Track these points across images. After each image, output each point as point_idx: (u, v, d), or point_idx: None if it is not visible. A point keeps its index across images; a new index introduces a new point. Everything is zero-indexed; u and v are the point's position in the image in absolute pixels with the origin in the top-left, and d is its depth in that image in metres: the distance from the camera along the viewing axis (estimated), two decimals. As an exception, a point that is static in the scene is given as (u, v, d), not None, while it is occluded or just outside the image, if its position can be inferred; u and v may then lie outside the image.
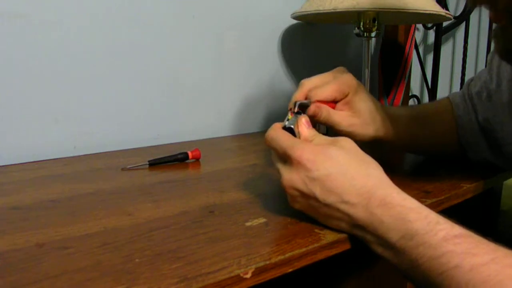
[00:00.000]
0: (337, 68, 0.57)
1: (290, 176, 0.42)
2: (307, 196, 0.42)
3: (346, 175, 0.41)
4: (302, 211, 0.44)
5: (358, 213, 0.40)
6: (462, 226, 0.37)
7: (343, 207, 0.40)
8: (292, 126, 0.47)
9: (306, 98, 0.53)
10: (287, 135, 0.45)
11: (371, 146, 0.52)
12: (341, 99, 0.55)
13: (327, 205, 0.41)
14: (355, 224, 0.40)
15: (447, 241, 0.35)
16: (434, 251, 0.35)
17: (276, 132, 0.46)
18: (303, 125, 0.47)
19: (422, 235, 0.36)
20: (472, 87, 0.68)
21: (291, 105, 0.52)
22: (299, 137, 0.46)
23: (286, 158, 0.43)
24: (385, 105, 1.13)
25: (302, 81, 0.55)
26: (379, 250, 0.39)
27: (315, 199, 0.41)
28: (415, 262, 0.36)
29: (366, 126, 0.56)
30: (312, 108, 0.51)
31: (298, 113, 0.50)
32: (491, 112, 0.64)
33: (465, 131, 0.67)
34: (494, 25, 0.45)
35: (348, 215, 0.40)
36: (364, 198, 0.40)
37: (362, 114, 0.56)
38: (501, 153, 0.64)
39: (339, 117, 0.54)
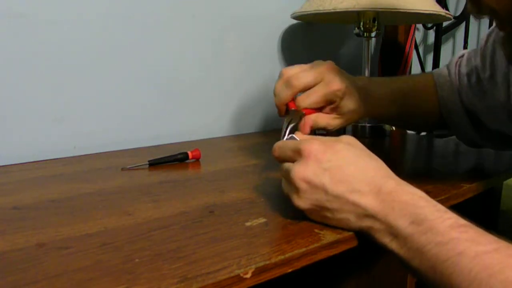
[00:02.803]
0: (327, 66, 0.57)
1: (300, 168, 0.42)
2: (316, 188, 0.42)
3: (357, 165, 0.42)
4: (305, 212, 0.44)
5: (369, 201, 0.40)
6: (467, 220, 0.38)
7: (352, 196, 0.41)
8: (294, 135, 0.50)
9: (294, 99, 0.56)
10: (293, 140, 0.48)
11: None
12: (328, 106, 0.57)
13: (336, 197, 0.41)
14: (365, 213, 0.40)
15: (454, 228, 0.36)
16: (442, 237, 0.36)
17: (282, 141, 0.48)
18: (302, 135, 0.51)
19: (431, 220, 0.37)
20: (462, 67, 0.68)
21: (280, 103, 0.56)
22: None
23: (297, 156, 0.44)
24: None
25: (288, 77, 0.56)
26: (386, 240, 0.40)
27: (325, 191, 0.41)
28: (422, 249, 0.37)
29: (350, 120, 0.60)
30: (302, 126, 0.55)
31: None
32: (476, 98, 0.65)
33: (449, 113, 0.69)
34: (500, 33, 0.46)
35: (357, 205, 0.41)
36: (375, 186, 0.40)
37: (347, 114, 0.59)
38: (487, 133, 0.65)
39: (325, 121, 0.58)
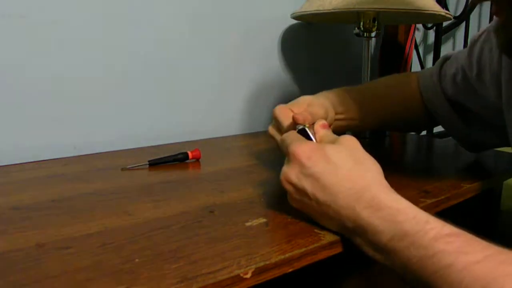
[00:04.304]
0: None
1: (286, 170, 0.43)
2: (300, 192, 0.42)
3: (338, 174, 0.41)
4: (299, 209, 0.44)
5: (346, 215, 0.40)
6: (453, 225, 0.36)
7: (333, 206, 0.40)
8: (305, 127, 0.49)
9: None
10: (294, 134, 0.47)
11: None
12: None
13: (319, 203, 0.41)
14: (344, 226, 0.40)
15: (438, 240, 0.34)
16: (426, 251, 0.34)
17: (287, 134, 0.47)
18: (319, 126, 0.49)
19: (412, 235, 0.36)
20: (448, 67, 0.68)
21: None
22: (314, 137, 0.48)
23: (286, 156, 0.45)
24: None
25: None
26: (370, 252, 0.39)
27: (307, 196, 0.42)
28: (406, 263, 0.36)
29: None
30: (299, 118, 0.53)
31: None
32: (464, 96, 0.65)
33: (436, 112, 0.69)
34: (494, 21, 0.46)
35: (337, 216, 0.40)
36: (352, 200, 0.39)
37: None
38: (478, 129, 0.66)
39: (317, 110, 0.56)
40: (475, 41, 0.64)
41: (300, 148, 0.43)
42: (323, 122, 0.50)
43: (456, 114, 0.68)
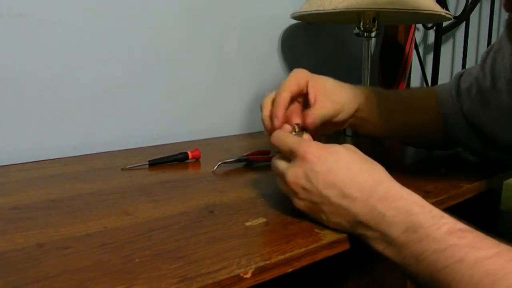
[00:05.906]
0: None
1: (294, 172, 0.43)
2: (310, 191, 0.42)
3: (349, 170, 0.41)
4: (306, 212, 0.44)
5: (359, 208, 0.40)
6: (465, 223, 0.37)
7: (344, 202, 0.40)
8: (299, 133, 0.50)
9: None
10: (293, 135, 0.48)
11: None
12: (302, 90, 0.55)
13: (329, 201, 0.41)
14: (357, 220, 0.40)
15: (451, 234, 0.35)
16: (438, 245, 0.35)
17: (282, 133, 0.48)
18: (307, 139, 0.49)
19: (426, 228, 0.36)
20: (462, 82, 0.67)
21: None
22: None
23: (292, 156, 0.44)
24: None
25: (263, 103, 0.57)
26: (381, 247, 0.39)
27: (318, 194, 0.41)
28: (418, 257, 0.36)
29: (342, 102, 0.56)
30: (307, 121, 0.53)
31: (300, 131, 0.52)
32: (479, 109, 0.64)
33: (453, 129, 0.67)
34: (508, 15, 0.46)
35: (349, 210, 0.40)
36: (366, 193, 0.40)
37: (328, 89, 0.55)
38: (492, 144, 0.65)
39: (319, 107, 0.54)
40: (487, 54, 0.64)
41: (308, 147, 0.43)
42: (308, 135, 0.51)
43: (472, 132, 0.66)
